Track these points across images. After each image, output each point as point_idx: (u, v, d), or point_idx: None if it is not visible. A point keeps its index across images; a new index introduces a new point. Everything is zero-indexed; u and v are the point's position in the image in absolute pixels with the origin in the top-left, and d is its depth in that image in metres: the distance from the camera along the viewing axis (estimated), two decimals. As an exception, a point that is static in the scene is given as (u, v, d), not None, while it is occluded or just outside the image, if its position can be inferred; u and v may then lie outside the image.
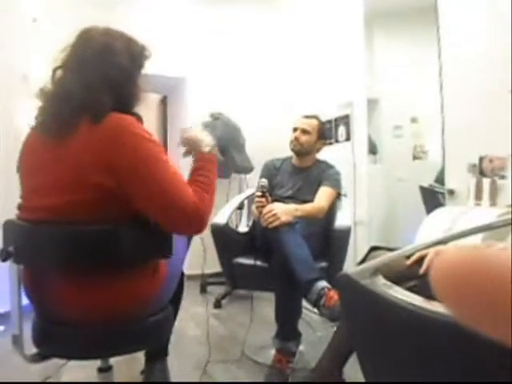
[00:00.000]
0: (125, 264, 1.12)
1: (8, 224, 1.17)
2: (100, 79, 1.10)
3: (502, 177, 1.95)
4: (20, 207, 1.18)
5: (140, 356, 1.72)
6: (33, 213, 1.12)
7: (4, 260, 1.10)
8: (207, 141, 1.31)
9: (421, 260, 1.26)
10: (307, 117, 2.43)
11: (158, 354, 1.67)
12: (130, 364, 1.88)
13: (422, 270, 1.21)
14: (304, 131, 2.35)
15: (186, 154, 1.37)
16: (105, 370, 1.37)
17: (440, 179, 2.67)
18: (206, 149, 1.29)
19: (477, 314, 0.15)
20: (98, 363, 1.38)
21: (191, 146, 1.33)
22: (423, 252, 1.25)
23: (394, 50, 3.95)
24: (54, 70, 1.16)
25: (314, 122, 2.40)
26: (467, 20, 2.25)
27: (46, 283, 1.13)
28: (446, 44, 2.38)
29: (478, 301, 0.15)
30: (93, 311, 1.10)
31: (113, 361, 1.40)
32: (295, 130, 2.38)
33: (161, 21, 3.79)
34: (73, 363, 1.80)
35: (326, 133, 2.45)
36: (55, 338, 1.16)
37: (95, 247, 1.08)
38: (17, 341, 1.14)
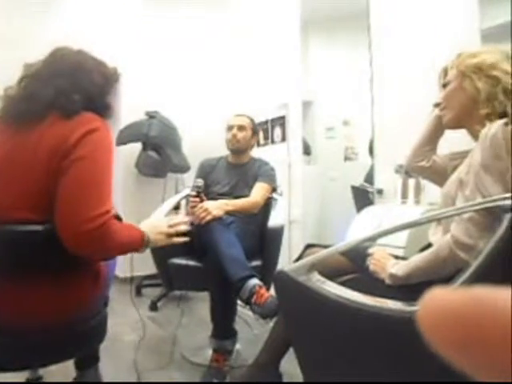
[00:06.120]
0: (67, 266, 1.06)
1: None
2: (72, 86, 1.10)
3: (425, 177, 2.09)
4: None
5: (70, 364, 1.64)
6: None
7: None
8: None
9: (354, 256, 1.33)
10: (239, 115, 2.52)
11: (89, 360, 1.60)
12: (60, 374, 1.79)
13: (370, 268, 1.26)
14: (240, 127, 2.42)
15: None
16: (34, 380, 1.30)
17: (369, 179, 2.81)
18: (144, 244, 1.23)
19: (486, 364, 0.15)
20: (25, 374, 1.31)
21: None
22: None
23: (329, 54, 4.09)
24: (21, 79, 1.15)
25: (247, 119, 2.49)
26: (398, 28, 2.38)
27: None
28: (377, 50, 2.50)
29: (483, 350, 0.15)
30: (32, 317, 1.03)
31: (42, 371, 1.33)
32: (231, 128, 2.43)
33: (95, 17, 3.64)
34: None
35: (257, 128, 2.57)
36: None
37: (33, 249, 1.02)
38: None
